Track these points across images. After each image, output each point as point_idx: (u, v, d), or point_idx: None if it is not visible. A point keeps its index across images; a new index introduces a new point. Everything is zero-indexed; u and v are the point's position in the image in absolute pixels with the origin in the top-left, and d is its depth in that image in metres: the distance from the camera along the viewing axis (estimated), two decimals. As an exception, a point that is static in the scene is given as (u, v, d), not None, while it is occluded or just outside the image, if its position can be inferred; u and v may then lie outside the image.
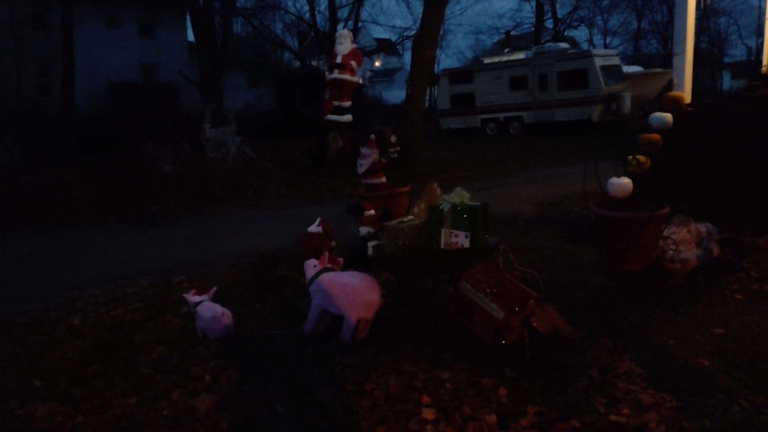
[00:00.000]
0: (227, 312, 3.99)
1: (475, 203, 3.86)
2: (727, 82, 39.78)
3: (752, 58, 36.49)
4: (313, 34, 31.99)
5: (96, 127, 15.31)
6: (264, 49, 36.68)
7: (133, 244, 7.44)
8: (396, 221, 4.04)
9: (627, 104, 19.29)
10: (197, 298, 4.12)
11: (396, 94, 34.48)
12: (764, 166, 5.63)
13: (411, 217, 4.12)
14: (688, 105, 6.89)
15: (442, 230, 3.81)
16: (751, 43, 39.59)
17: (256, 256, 5.70)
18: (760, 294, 4.36)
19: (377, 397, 3.14)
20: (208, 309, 3.98)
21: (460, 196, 3.91)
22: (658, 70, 22.08)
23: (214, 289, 4.26)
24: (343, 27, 27.32)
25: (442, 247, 3.82)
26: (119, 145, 11.55)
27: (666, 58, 29.09)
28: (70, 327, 4.42)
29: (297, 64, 33.90)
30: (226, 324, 3.95)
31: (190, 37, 28.56)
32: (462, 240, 3.77)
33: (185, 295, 4.20)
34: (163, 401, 3.25)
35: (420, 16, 13.32)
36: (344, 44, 12.04)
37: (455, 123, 22.36)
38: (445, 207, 3.81)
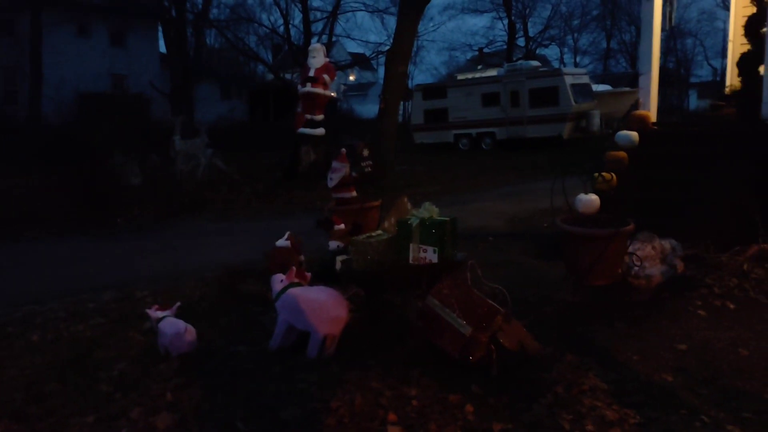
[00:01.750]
0: (190, 328, 3.91)
1: (443, 218, 3.86)
2: (693, 101, 40.76)
3: (717, 78, 37.48)
4: (287, 47, 32.00)
5: (63, 137, 15.02)
6: (237, 61, 36.57)
7: (96, 257, 7.28)
8: (365, 236, 4.02)
9: (596, 122, 19.63)
10: (160, 314, 4.03)
11: (370, 109, 34.56)
12: (727, 184, 5.74)
13: (380, 231, 4.11)
14: (653, 123, 7.01)
15: (411, 245, 3.80)
16: (717, 63, 40.73)
17: (223, 270, 5.62)
18: (723, 310, 4.43)
19: (342, 414, 3.10)
20: (171, 325, 3.90)
21: (428, 211, 3.90)
22: (627, 89, 22.54)
23: (178, 304, 4.18)
24: (317, 41, 27.40)
25: (411, 262, 3.80)
26: (86, 156, 11.35)
27: (634, 78, 29.73)
28: (28, 343, 4.30)
29: (270, 76, 33.87)
30: (189, 340, 3.87)
31: (162, 48, 28.34)
32: (430, 255, 3.76)
33: (148, 311, 4.11)
34: (122, 420, 3.17)
35: (394, 31, 13.41)
36: (317, 58, 12.03)
37: (428, 138, 22.49)
38: (414, 222, 3.80)
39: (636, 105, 7.25)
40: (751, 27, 6.29)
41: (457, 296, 3.63)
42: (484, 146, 21.42)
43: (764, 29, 6.14)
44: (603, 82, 25.66)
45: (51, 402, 3.36)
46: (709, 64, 42.61)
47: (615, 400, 3.18)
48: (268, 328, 4.38)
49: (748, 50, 6.35)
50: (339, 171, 6.02)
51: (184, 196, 11.08)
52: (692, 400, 3.18)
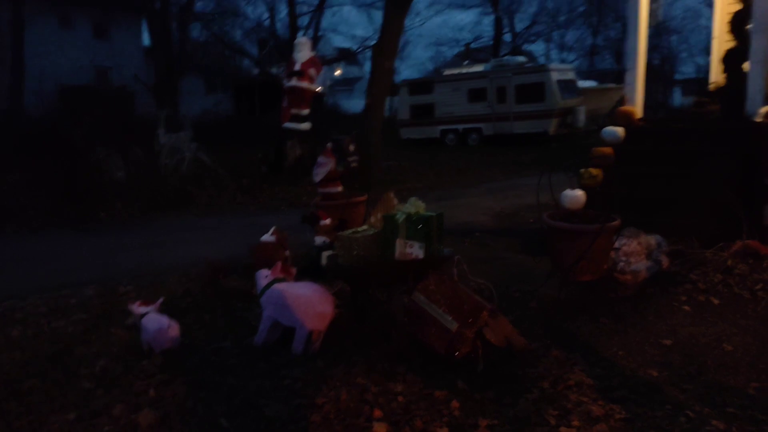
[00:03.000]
0: (174, 324, 3.86)
1: (429, 214, 3.83)
2: (678, 98, 41.02)
3: (701, 75, 37.74)
4: (273, 41, 31.80)
5: (45, 130, 14.79)
6: (222, 55, 36.23)
7: (79, 251, 7.19)
8: (350, 231, 3.99)
9: (582, 118, 19.66)
10: (143, 309, 3.98)
11: (356, 104, 34.43)
12: (711, 180, 5.77)
13: (366, 226, 4.08)
14: (639, 119, 7.02)
15: (397, 241, 3.77)
16: (701, 61, 41.00)
17: (207, 266, 5.56)
18: (707, 305, 4.45)
19: (328, 411, 3.08)
20: (154, 321, 3.85)
21: (415, 206, 3.88)
22: (612, 85, 22.61)
23: (161, 299, 4.13)
24: (304, 35, 27.24)
25: (397, 257, 3.77)
26: (68, 149, 11.18)
27: (620, 74, 29.84)
28: (8, 338, 4.23)
29: (256, 71, 33.63)
30: (172, 336, 3.83)
31: (146, 40, 28.01)
32: (416, 251, 3.73)
33: (130, 306, 4.05)
34: (104, 417, 3.13)
35: (380, 25, 13.34)
36: (303, 52, 11.94)
37: (415, 133, 22.43)
38: (400, 217, 3.77)
39: (621, 101, 7.26)
40: (736, 23, 6.31)
41: (443, 292, 3.62)
42: (470, 142, 21.39)
43: (749, 26, 6.16)
44: (589, 78, 25.72)
45: (30, 399, 3.31)
46: (694, 61, 42.85)
47: (601, 396, 3.18)
48: (253, 323, 4.35)
49: (733, 47, 6.37)
50: (324, 166, 5.99)
51: (169, 190, 10.96)
52: (677, 395, 3.18)
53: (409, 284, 3.77)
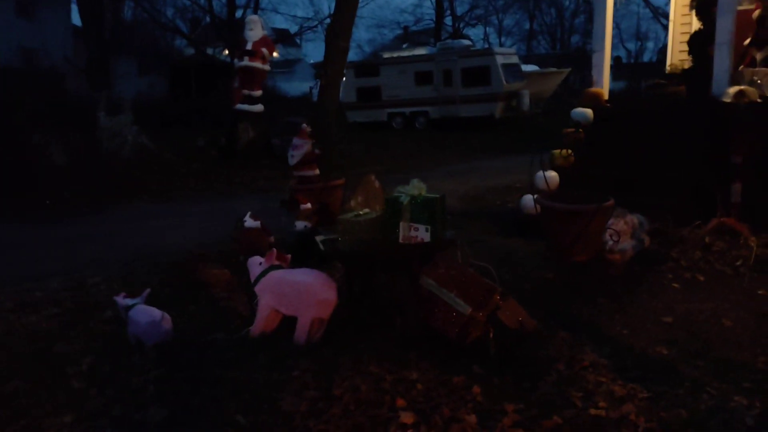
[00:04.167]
0: (166, 316, 3.63)
1: (434, 195, 3.72)
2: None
3: (632, 60, 39.09)
4: (208, 19, 30.77)
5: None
6: (153, 35, 34.80)
7: (31, 242, 6.72)
8: (352, 214, 3.83)
9: (526, 101, 19.94)
10: (129, 301, 3.73)
11: (296, 86, 33.83)
12: (683, 160, 5.90)
13: (366, 210, 3.93)
14: (605, 101, 7.12)
15: (401, 223, 3.65)
16: (630, 46, 42.41)
17: (181, 255, 5.29)
18: (694, 283, 4.55)
19: (347, 402, 2.95)
20: (144, 313, 3.61)
21: (417, 188, 3.76)
22: (554, 69, 23.03)
23: (148, 290, 3.87)
24: (242, 14, 26.48)
25: (401, 241, 3.65)
26: (4, 135, 10.44)
27: (559, 58, 30.49)
28: (-24, 337, 3.88)
29: (190, 51, 32.48)
30: (165, 329, 3.59)
31: (75, 19, 26.53)
32: (422, 234, 3.62)
33: (115, 298, 3.79)
34: (104, 418, 2.90)
35: (320, 7, 13.09)
36: (255, 30, 11.60)
37: (361, 116, 22.17)
38: (404, 199, 3.65)
39: (586, 82, 7.35)
40: (703, 7, 6.46)
41: (452, 275, 3.53)
42: (417, 125, 21.36)
43: (715, 8, 6.30)
44: (529, 63, 26.08)
45: (19, 402, 3.03)
46: (624, 47, 44.22)
47: (618, 375, 3.18)
48: (243, 314, 4.17)
49: (699, 29, 6.52)
50: (301, 148, 5.79)
51: (116, 176, 10.42)
52: (692, 372, 3.22)
53: (414, 268, 3.66)
